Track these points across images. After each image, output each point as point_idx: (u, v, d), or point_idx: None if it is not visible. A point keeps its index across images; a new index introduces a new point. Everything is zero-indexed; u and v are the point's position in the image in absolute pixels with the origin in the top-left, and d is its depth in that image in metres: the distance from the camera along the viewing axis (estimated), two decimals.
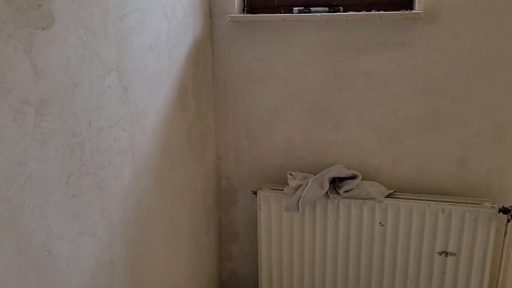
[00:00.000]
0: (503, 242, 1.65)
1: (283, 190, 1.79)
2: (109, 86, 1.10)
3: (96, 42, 1.04)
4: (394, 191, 1.76)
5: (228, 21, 1.75)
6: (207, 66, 1.81)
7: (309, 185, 1.70)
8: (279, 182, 1.92)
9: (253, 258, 2.07)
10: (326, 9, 1.76)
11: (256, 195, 1.85)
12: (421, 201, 1.68)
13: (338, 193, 1.72)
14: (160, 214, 1.44)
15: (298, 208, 1.69)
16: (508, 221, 1.62)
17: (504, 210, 1.60)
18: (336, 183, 1.76)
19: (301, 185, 1.75)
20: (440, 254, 1.67)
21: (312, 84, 1.80)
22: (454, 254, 1.66)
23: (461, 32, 1.61)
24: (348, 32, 1.71)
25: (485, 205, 1.63)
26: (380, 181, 1.82)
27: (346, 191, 1.71)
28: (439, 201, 1.67)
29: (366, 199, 1.71)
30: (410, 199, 1.70)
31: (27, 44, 0.82)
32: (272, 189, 1.83)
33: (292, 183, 1.76)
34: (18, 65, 0.80)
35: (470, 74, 1.64)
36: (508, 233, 1.64)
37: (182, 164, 1.61)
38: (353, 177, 1.73)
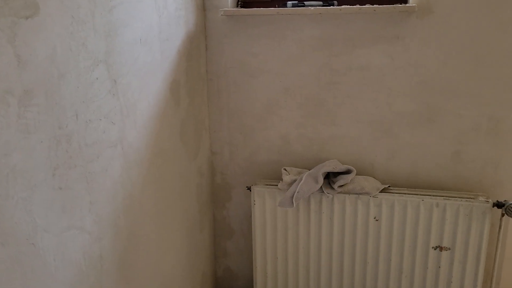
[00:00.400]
0: (498, 236, 1.64)
1: (277, 185, 1.78)
2: (97, 78, 1.08)
3: (83, 33, 1.02)
4: (389, 186, 1.75)
5: (221, 14, 1.73)
6: (200, 60, 1.79)
7: (303, 180, 1.69)
8: (274, 178, 1.91)
9: (248, 255, 2.06)
10: (320, 2, 1.75)
11: (250, 190, 1.83)
12: (415, 195, 1.67)
13: (333, 188, 1.70)
14: (152, 209, 1.43)
15: (292, 203, 1.68)
16: (503, 215, 1.61)
17: (498, 204, 1.59)
18: (330, 178, 1.75)
19: (295, 180, 1.73)
20: (435, 249, 1.66)
21: (307, 79, 1.78)
22: (449, 248, 1.65)
23: (455, 25, 1.60)
24: (342, 26, 1.70)
25: (480, 199, 1.62)
26: (375, 176, 1.81)
27: (341, 186, 1.69)
28: (433, 195, 1.66)
29: (360, 194, 1.69)
30: (405, 193, 1.69)
31: (11, 33, 0.80)
32: (267, 185, 1.82)
33: (287, 178, 1.75)
34: (0, 54, 0.79)
35: (465, 67, 1.63)
36: (502, 227, 1.63)
37: (175, 159, 1.60)
38: (348, 172, 1.71)
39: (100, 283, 1.13)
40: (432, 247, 1.67)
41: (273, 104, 1.85)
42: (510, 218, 1.59)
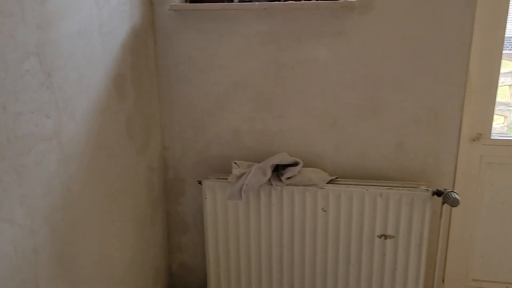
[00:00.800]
0: (439, 224, 1.71)
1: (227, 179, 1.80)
2: (28, 71, 1.07)
3: (11, 25, 1.01)
4: (336, 177, 1.80)
5: (168, 9, 1.74)
6: (148, 55, 1.79)
7: (251, 173, 1.71)
8: (226, 172, 1.93)
9: (203, 249, 2.07)
10: None
11: (201, 184, 1.84)
12: (360, 186, 1.71)
13: (281, 180, 1.73)
14: (95, 203, 1.42)
15: (241, 196, 1.70)
16: (443, 203, 1.67)
17: (438, 193, 1.66)
18: (279, 171, 1.78)
19: (244, 174, 1.75)
20: (380, 237, 1.72)
21: (255, 74, 1.81)
22: (393, 237, 1.71)
23: (395, 20, 1.65)
24: (288, 22, 1.73)
25: (421, 188, 1.68)
26: (323, 168, 1.85)
27: (288, 178, 1.73)
28: (377, 185, 1.71)
29: (308, 185, 1.73)
30: (351, 184, 1.73)
31: None
32: (218, 179, 1.84)
33: (236, 171, 1.77)
34: None
35: (405, 61, 1.69)
36: (443, 215, 1.70)
37: (121, 154, 1.59)
38: (295, 164, 1.75)
39: (35, 277, 1.12)
40: (377, 236, 1.72)
41: (223, 99, 1.86)
42: (449, 205, 1.65)
